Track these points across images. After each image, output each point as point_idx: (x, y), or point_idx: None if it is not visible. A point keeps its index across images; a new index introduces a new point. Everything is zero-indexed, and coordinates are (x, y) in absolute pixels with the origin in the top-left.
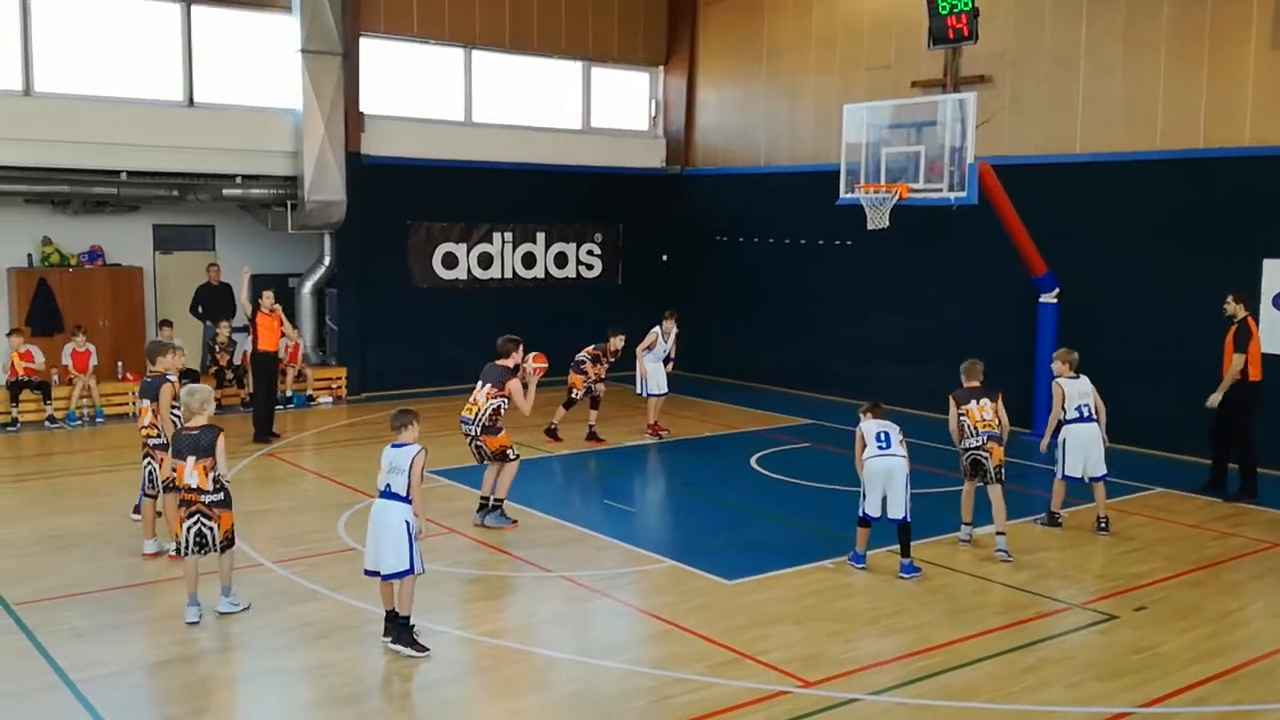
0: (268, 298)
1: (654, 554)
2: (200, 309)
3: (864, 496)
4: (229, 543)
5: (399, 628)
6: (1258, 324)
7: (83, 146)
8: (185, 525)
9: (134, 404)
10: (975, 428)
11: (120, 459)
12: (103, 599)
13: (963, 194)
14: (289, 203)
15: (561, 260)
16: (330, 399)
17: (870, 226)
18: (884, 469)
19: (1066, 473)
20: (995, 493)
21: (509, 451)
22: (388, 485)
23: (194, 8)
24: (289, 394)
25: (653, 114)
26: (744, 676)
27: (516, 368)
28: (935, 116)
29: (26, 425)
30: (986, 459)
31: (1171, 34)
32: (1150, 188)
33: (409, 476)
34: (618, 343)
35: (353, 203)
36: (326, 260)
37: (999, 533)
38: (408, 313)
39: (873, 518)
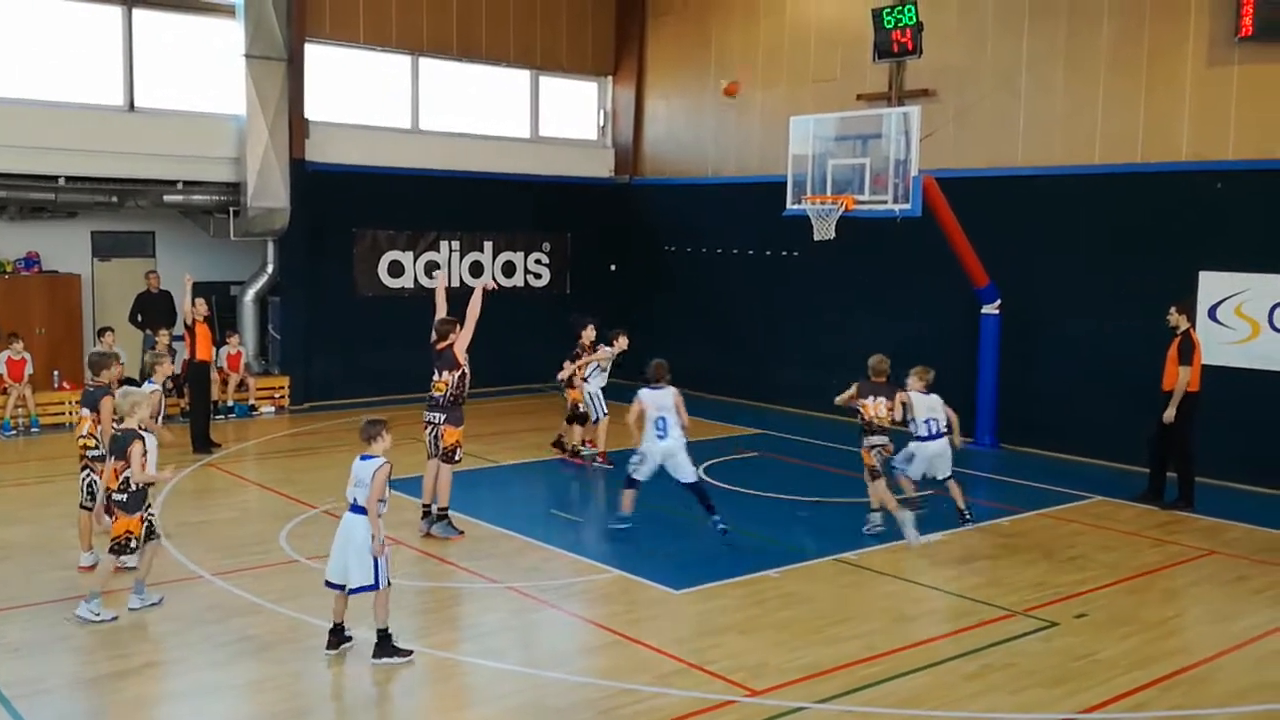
0: (200, 306)
1: (601, 564)
2: (139, 317)
3: (638, 464)
4: (117, 549)
5: (378, 641)
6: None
7: (19, 151)
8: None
9: (74, 413)
10: (872, 424)
11: (57, 469)
12: (39, 613)
13: (907, 206)
14: (231, 209)
15: (509, 269)
16: (273, 409)
17: (817, 237)
18: (662, 450)
19: (909, 473)
20: (905, 479)
21: (456, 453)
22: (355, 499)
23: (135, 11)
24: (230, 403)
25: (601, 124)
26: (691, 686)
27: (447, 348)
28: (880, 129)
29: None
30: (884, 455)
31: (1111, 51)
32: (1090, 201)
33: (370, 489)
34: (589, 334)
35: (296, 210)
36: (269, 268)
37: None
38: (352, 321)
39: (636, 480)
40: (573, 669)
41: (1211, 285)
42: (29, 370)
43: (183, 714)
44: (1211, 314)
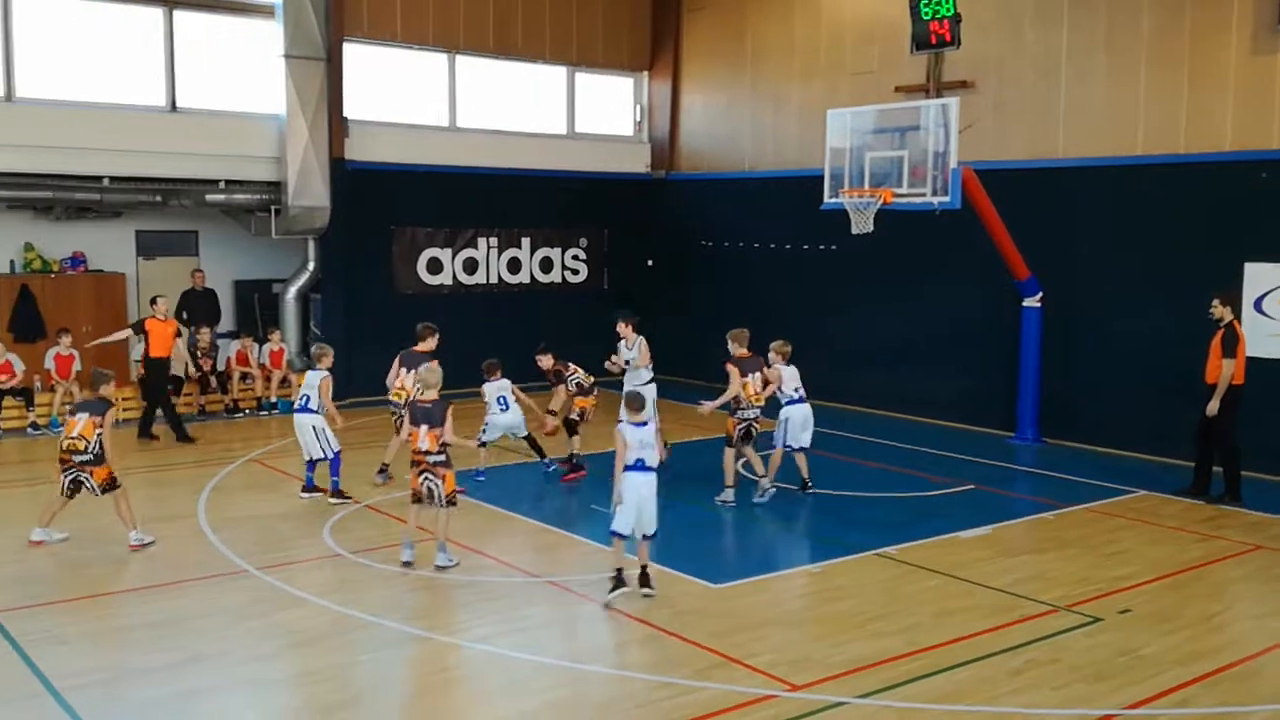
0: (162, 303)
1: None
2: (184, 314)
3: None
4: (451, 501)
5: (643, 573)
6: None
7: (65, 152)
8: (420, 482)
9: (120, 409)
10: (750, 401)
11: None
12: (87, 606)
13: (946, 199)
14: (273, 208)
15: (547, 265)
16: None
17: (854, 231)
18: (504, 422)
19: (786, 443)
20: (751, 452)
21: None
22: (640, 460)
23: (177, 13)
24: (274, 400)
25: (637, 119)
26: (731, 680)
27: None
28: (919, 121)
29: (9, 432)
30: (756, 430)
31: (1152, 40)
32: (1132, 192)
33: (658, 449)
34: (544, 361)
35: (336, 208)
36: (310, 266)
37: (763, 474)
38: (392, 318)
39: (484, 443)
40: (613, 663)
41: (1257, 276)
42: (76, 367)
43: (232, 706)
44: (1257, 305)
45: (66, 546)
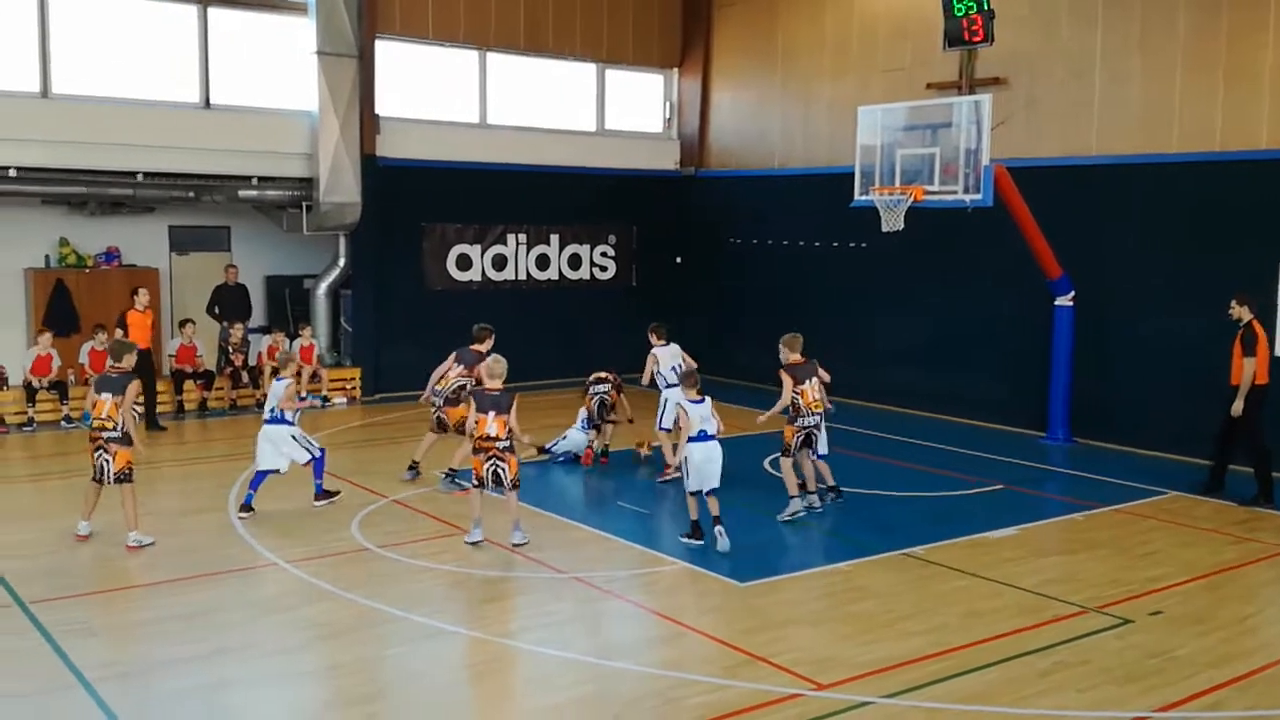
0: (143, 295)
1: (667, 555)
2: (217, 309)
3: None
4: (515, 485)
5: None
6: (1270, 325)
7: (99, 148)
8: (485, 466)
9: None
10: (810, 408)
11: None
12: (118, 598)
13: (978, 196)
14: (304, 204)
15: (575, 262)
16: (344, 400)
17: (885, 229)
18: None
19: (822, 451)
20: (807, 460)
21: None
22: (702, 431)
23: (210, 10)
24: (304, 394)
25: (667, 116)
26: (757, 679)
27: (488, 353)
28: (950, 118)
29: (43, 425)
30: (818, 436)
31: (1188, 40)
32: (1167, 191)
33: (716, 420)
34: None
35: (367, 204)
36: (341, 262)
37: (812, 491)
38: (422, 314)
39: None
40: (639, 659)
41: None
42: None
43: (260, 698)
44: None
45: (96, 539)
